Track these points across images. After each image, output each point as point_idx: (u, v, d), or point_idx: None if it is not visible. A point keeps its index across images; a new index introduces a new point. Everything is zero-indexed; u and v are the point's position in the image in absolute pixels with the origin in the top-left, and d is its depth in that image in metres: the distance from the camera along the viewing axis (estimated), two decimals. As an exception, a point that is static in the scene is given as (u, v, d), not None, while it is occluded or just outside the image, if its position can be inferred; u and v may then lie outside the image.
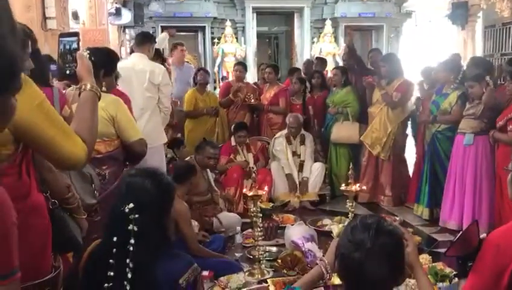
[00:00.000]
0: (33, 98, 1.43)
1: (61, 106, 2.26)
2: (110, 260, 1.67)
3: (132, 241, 1.67)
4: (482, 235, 1.83)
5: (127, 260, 1.66)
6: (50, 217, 1.80)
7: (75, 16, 5.84)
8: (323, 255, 3.59)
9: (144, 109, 3.81)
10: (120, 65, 3.62)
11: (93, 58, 2.52)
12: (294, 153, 5.39)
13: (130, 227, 1.68)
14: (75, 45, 1.78)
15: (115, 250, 1.68)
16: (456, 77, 4.55)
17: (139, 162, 2.81)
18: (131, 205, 1.69)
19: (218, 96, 6.48)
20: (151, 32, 9.98)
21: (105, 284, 1.67)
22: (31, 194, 1.56)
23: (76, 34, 1.82)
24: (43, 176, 1.87)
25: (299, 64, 10.70)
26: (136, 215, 1.69)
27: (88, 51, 2.58)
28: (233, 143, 5.31)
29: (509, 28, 7.18)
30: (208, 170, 4.41)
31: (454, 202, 4.34)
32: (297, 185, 5.25)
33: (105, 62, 2.67)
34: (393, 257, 1.40)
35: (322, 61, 7.33)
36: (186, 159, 4.39)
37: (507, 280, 1.57)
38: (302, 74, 6.67)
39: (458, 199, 4.31)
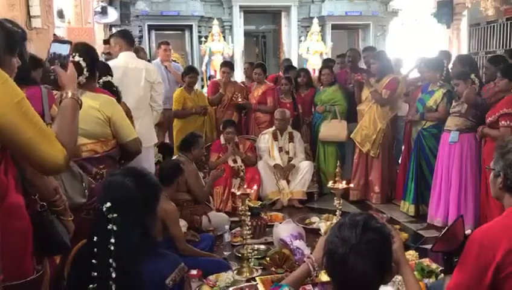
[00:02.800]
0: (12, 96, 1.41)
1: (49, 105, 2.24)
2: (93, 260, 1.66)
3: (112, 240, 1.66)
4: (468, 231, 1.86)
5: (110, 260, 1.65)
6: (38, 220, 1.79)
7: (60, 15, 5.79)
8: (311, 253, 3.62)
9: (137, 109, 3.71)
10: (112, 64, 3.60)
11: (89, 60, 2.53)
12: (281, 149, 5.41)
13: (110, 227, 1.66)
14: (65, 53, 1.76)
15: (96, 250, 1.67)
16: (442, 74, 4.60)
17: (133, 159, 2.80)
18: (108, 204, 1.68)
19: (206, 95, 6.47)
20: (138, 30, 9.99)
21: (90, 285, 1.65)
22: (8, 195, 1.53)
23: (69, 43, 1.81)
24: (30, 179, 1.86)
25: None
26: (115, 215, 1.67)
27: (77, 54, 2.56)
28: (222, 142, 5.30)
29: (494, 26, 7.28)
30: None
31: (440, 199, 4.39)
32: (286, 173, 5.28)
33: (96, 59, 2.70)
34: (380, 254, 1.41)
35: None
36: (173, 158, 4.37)
37: (490, 276, 1.61)
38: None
39: (444, 196, 4.36)
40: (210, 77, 9.59)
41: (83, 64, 2.56)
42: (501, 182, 1.79)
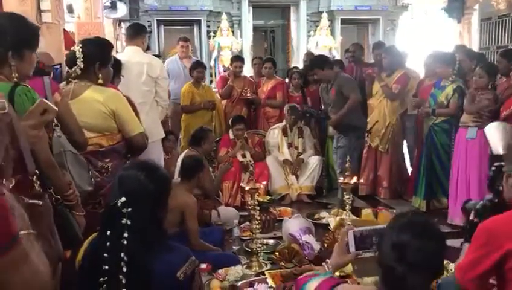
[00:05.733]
0: None
1: (52, 93, 2.24)
2: (104, 254, 1.66)
3: (126, 235, 1.66)
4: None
5: (122, 254, 1.65)
6: (54, 214, 1.80)
7: (70, 9, 5.81)
8: (320, 248, 3.63)
9: (142, 104, 3.71)
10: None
11: (86, 52, 2.54)
12: (290, 145, 5.40)
13: (124, 221, 1.66)
14: None
15: (108, 244, 1.67)
16: (454, 69, 4.55)
17: (140, 154, 2.80)
18: (123, 198, 1.67)
19: (214, 89, 6.47)
20: (146, 26, 9.98)
21: (101, 279, 1.66)
22: None
23: None
24: (46, 173, 1.87)
25: (295, 57, 10.69)
26: (129, 209, 1.67)
27: (80, 44, 2.58)
28: (231, 137, 5.31)
29: (506, 20, 7.18)
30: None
31: (457, 197, 4.27)
32: (296, 168, 5.30)
33: (99, 54, 2.64)
34: (439, 264, 1.41)
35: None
36: (186, 153, 4.38)
37: (497, 258, 1.65)
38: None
39: (462, 193, 4.21)
40: (225, 70, 9.52)
41: (79, 54, 2.54)
42: None
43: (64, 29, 5.13)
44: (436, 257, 1.38)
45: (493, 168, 2.10)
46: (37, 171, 1.68)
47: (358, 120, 4.99)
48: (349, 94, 4.83)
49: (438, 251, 1.39)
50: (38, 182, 1.68)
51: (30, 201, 1.51)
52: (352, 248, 1.81)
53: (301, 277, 1.81)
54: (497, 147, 3.29)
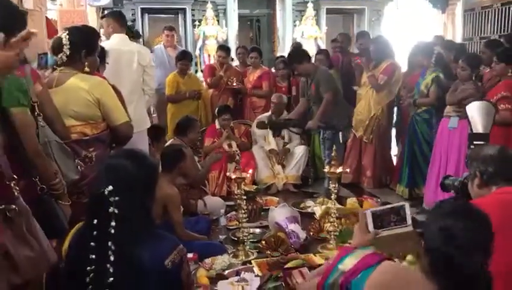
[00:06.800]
0: None
1: (33, 81, 2.21)
2: (91, 243, 1.65)
3: (113, 223, 1.64)
4: None
5: (109, 243, 1.64)
6: (40, 203, 1.78)
7: (53, -3, 5.70)
8: (306, 237, 3.65)
9: (131, 93, 3.67)
10: (105, 46, 3.55)
11: (73, 39, 2.50)
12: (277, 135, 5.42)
13: (111, 210, 1.65)
14: None
15: (95, 233, 1.66)
16: (430, 60, 4.60)
17: (125, 144, 2.78)
18: (110, 187, 1.66)
19: (200, 79, 6.42)
20: (131, 14, 9.85)
21: (88, 267, 1.65)
22: None
23: None
24: (32, 161, 1.85)
25: (280, 47, 10.65)
26: (117, 198, 1.66)
27: (67, 31, 2.55)
28: (217, 126, 5.29)
29: (488, 11, 7.25)
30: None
31: (437, 185, 4.33)
32: (282, 157, 5.30)
33: (86, 41, 2.61)
34: (486, 242, 1.41)
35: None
36: (171, 142, 4.35)
37: None
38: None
39: (439, 179, 4.32)
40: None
41: (65, 41, 2.51)
42: (479, 180, 1.85)
43: (47, 17, 5.03)
44: (485, 237, 1.40)
45: (472, 146, 2.16)
46: (15, 177, 1.65)
47: (338, 116, 5.01)
48: (324, 93, 4.82)
49: (486, 231, 1.41)
50: (17, 188, 1.65)
51: (1, 207, 1.50)
52: (371, 228, 1.86)
53: (337, 252, 1.86)
54: (477, 125, 3.35)
